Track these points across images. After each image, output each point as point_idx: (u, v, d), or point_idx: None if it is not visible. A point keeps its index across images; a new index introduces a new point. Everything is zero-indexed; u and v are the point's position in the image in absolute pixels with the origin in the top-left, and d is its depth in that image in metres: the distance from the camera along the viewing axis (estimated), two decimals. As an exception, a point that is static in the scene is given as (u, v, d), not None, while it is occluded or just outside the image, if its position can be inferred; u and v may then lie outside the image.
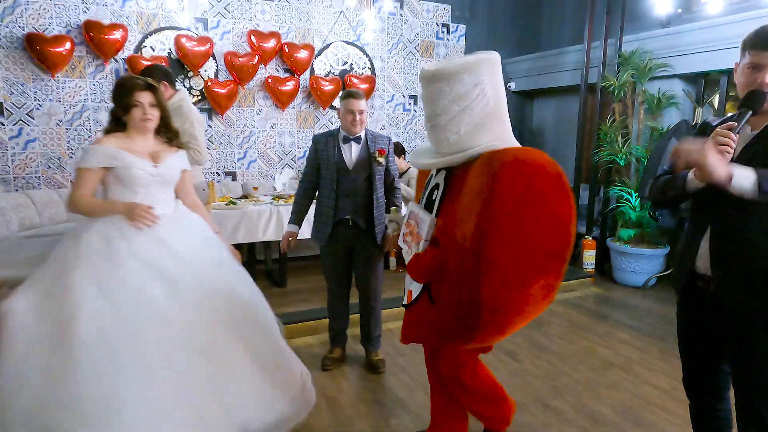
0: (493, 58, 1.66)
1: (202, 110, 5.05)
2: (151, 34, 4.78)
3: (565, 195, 1.46)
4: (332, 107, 5.64)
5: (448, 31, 6.18)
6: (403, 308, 1.99)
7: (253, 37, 5.06)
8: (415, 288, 1.88)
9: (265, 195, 4.58)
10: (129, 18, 4.68)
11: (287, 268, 4.38)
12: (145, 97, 2.09)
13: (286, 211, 4.01)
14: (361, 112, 2.75)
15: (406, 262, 1.85)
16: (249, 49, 5.09)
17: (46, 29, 4.41)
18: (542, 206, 1.43)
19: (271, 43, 5.14)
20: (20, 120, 4.44)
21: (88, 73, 4.61)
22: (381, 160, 2.83)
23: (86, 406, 1.68)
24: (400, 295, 4.06)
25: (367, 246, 2.89)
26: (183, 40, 4.77)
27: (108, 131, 2.17)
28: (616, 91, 4.87)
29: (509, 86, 6.59)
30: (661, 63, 4.65)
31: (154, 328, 1.85)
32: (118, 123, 2.16)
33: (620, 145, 4.84)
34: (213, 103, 5.03)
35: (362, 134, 2.85)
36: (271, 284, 4.49)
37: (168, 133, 2.22)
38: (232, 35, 5.10)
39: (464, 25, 6.24)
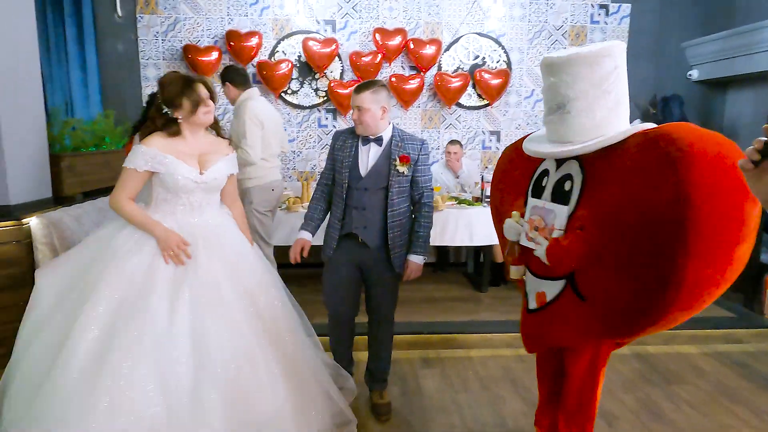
0: (623, 44, 1.67)
1: (327, 111, 5.17)
2: (283, 39, 5.04)
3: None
4: (459, 105, 5.25)
5: (607, 13, 5.24)
6: (529, 313, 1.94)
7: (377, 36, 4.98)
8: (549, 288, 1.81)
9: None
10: (265, 25, 5.01)
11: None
12: (203, 91, 2.05)
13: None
14: (361, 109, 2.28)
15: (543, 256, 1.74)
16: (375, 48, 5.03)
17: (199, 41, 4.98)
18: (734, 170, 1.35)
19: (396, 41, 4.99)
20: (176, 122, 5.10)
21: (230, 79, 5.07)
22: (402, 169, 2.32)
23: (72, 402, 1.68)
24: (420, 320, 3.52)
25: (381, 269, 2.43)
26: (310, 43, 4.93)
27: (150, 131, 2.06)
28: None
29: (689, 75, 5.32)
30: None
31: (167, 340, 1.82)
32: (167, 123, 2.07)
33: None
34: (336, 104, 5.09)
35: (386, 134, 2.38)
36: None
37: (215, 126, 2.19)
38: (358, 35, 5.10)
39: (629, 5, 5.22)
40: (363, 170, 2.36)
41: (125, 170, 2.02)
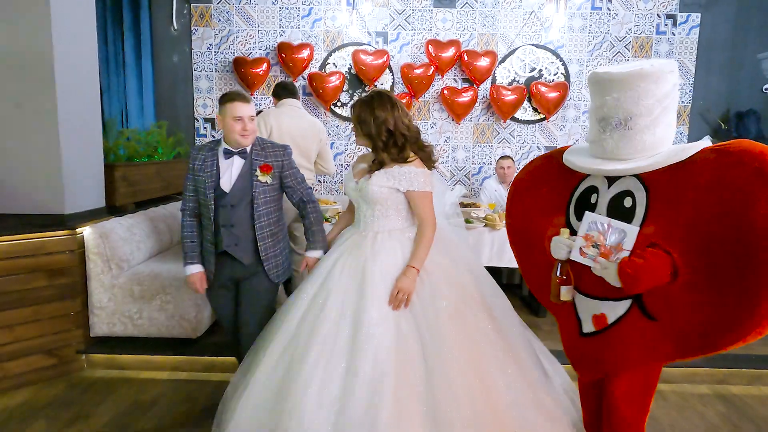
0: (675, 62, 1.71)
1: (376, 123, 5.05)
2: (335, 51, 4.99)
3: None
4: (514, 119, 5.04)
5: (675, 23, 4.94)
6: (583, 337, 1.86)
7: (430, 47, 4.85)
8: (611, 309, 1.74)
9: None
10: (317, 37, 4.97)
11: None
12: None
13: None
14: (252, 119, 2.20)
15: (612, 276, 1.65)
16: (426, 61, 4.90)
17: (251, 53, 4.98)
18: None
19: (449, 52, 4.85)
20: (226, 133, 5.10)
21: (280, 91, 5.04)
22: (264, 178, 2.23)
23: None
24: None
25: (255, 282, 2.32)
26: (361, 55, 4.84)
27: None
28: None
29: (766, 89, 4.94)
30: None
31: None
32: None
33: None
34: (386, 116, 4.97)
35: (248, 146, 2.28)
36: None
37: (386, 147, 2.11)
38: (410, 47, 4.99)
39: (698, 14, 4.91)
40: (226, 186, 2.24)
41: None
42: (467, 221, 3.67)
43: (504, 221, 3.66)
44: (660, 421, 2.60)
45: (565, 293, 1.83)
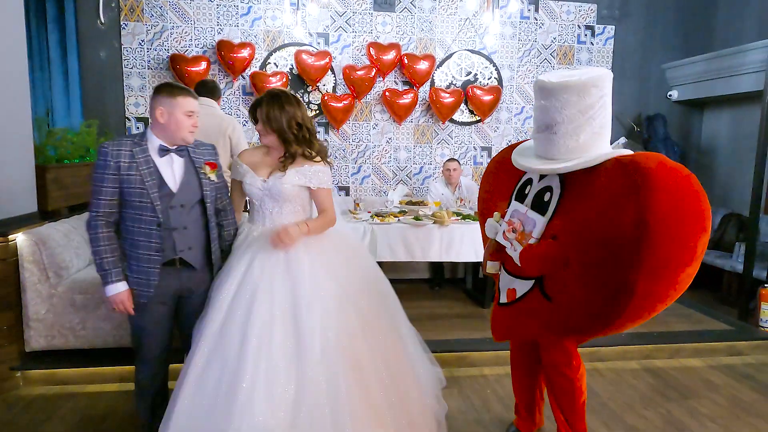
0: (611, 74, 1.82)
1: (319, 124, 5.07)
2: (275, 50, 4.94)
3: (702, 191, 1.60)
4: (452, 121, 5.26)
5: (593, 34, 5.39)
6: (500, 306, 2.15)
7: (372, 50, 4.94)
8: (520, 285, 1.99)
9: (368, 212, 4.33)
10: (257, 36, 4.90)
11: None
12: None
13: (383, 230, 3.73)
14: (197, 114, 2.05)
15: (516, 258, 1.92)
16: (368, 62, 4.99)
17: (187, 50, 4.81)
18: (691, 201, 1.56)
19: (390, 55, 4.97)
20: (161, 133, 4.88)
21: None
22: (212, 176, 2.11)
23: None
24: (427, 338, 3.38)
25: (205, 289, 2.14)
26: (303, 55, 4.84)
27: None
28: (821, 96, 3.68)
29: (669, 95, 5.52)
30: None
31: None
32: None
33: (825, 167, 3.63)
34: (329, 117, 5.01)
35: None
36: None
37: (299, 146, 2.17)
38: (351, 49, 5.05)
39: (613, 26, 5.39)
40: (173, 185, 2.02)
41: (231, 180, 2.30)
42: (416, 219, 3.79)
43: (451, 218, 3.84)
44: (599, 395, 2.86)
45: (490, 267, 2.17)
